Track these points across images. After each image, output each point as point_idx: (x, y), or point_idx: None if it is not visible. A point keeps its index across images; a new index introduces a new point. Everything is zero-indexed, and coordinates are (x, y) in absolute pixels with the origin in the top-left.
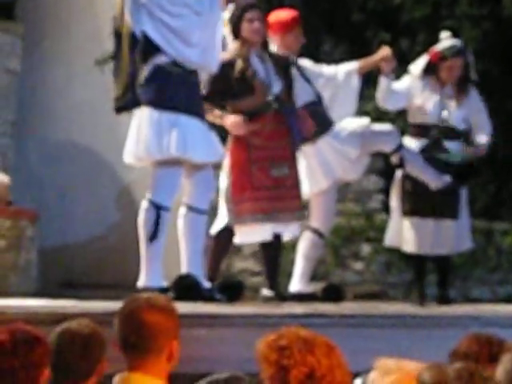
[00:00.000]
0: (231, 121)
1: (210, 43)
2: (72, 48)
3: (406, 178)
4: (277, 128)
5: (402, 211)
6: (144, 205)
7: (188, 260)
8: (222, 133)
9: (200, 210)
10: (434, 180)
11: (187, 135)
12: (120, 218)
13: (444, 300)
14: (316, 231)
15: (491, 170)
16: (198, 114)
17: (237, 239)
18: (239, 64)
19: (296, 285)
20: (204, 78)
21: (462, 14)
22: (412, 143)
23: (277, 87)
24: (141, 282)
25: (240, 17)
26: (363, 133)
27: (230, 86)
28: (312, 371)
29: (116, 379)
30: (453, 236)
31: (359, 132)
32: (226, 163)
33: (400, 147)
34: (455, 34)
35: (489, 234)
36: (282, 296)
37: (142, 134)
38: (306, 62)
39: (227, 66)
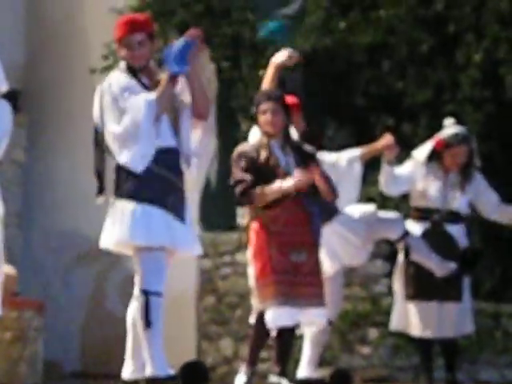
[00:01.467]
0: (296, 178)
1: None
2: (76, 138)
3: (409, 261)
4: (296, 215)
5: (405, 295)
6: (135, 293)
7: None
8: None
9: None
10: (439, 268)
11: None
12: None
13: (452, 383)
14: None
15: (496, 251)
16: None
17: (268, 324)
18: (263, 153)
19: (304, 371)
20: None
21: (463, 98)
22: (414, 226)
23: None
24: (148, 371)
25: (256, 108)
26: (369, 220)
27: (255, 174)
28: None
29: None
30: (456, 319)
31: (365, 219)
32: (249, 253)
33: (405, 235)
34: (458, 118)
35: (496, 317)
36: (294, 382)
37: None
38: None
39: (252, 153)
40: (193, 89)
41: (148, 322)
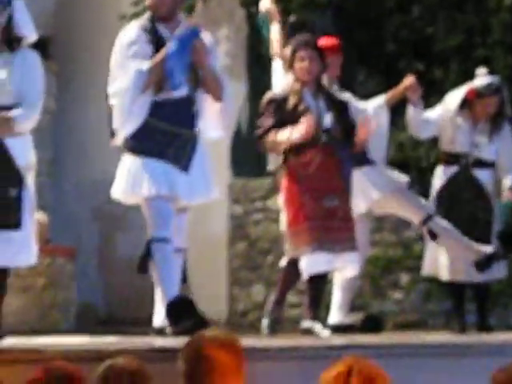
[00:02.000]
0: (307, 123)
1: None
2: (105, 86)
3: (439, 205)
4: (326, 160)
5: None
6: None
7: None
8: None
9: (178, 249)
10: (470, 249)
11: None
12: None
13: (484, 328)
14: None
15: None
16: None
17: (303, 271)
18: (292, 99)
19: (335, 316)
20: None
21: (494, 42)
22: (443, 171)
23: (327, 121)
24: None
25: (293, 55)
26: (399, 187)
27: (282, 121)
28: None
29: None
30: None
31: (395, 184)
32: (281, 200)
33: (428, 219)
34: (488, 62)
35: None
36: (328, 327)
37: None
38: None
39: (280, 100)
40: (204, 75)
41: (145, 269)
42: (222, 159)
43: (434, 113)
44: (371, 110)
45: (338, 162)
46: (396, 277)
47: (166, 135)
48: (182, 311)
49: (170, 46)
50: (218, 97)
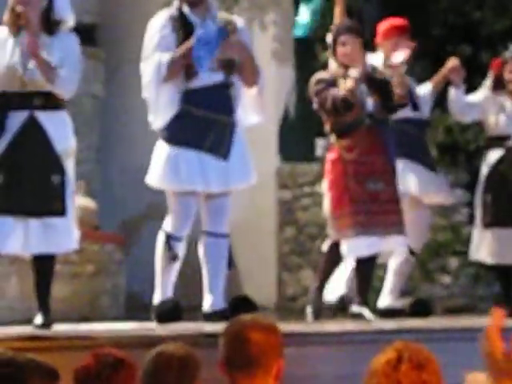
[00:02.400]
0: (353, 77)
1: None
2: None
3: (487, 190)
4: (371, 144)
5: (483, 223)
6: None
7: (208, 284)
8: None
9: (217, 234)
10: None
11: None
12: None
13: None
14: (409, 248)
15: None
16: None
17: (345, 254)
18: (341, 84)
19: (385, 300)
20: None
21: None
22: (490, 155)
23: (370, 105)
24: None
25: (335, 40)
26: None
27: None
28: None
29: None
30: None
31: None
32: (325, 183)
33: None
34: None
35: None
36: (375, 312)
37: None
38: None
39: (330, 84)
40: (241, 64)
41: (173, 257)
42: (270, 144)
43: (476, 96)
44: (419, 97)
45: (383, 145)
46: (445, 261)
47: (204, 122)
48: (170, 315)
49: (196, 40)
50: (253, 82)
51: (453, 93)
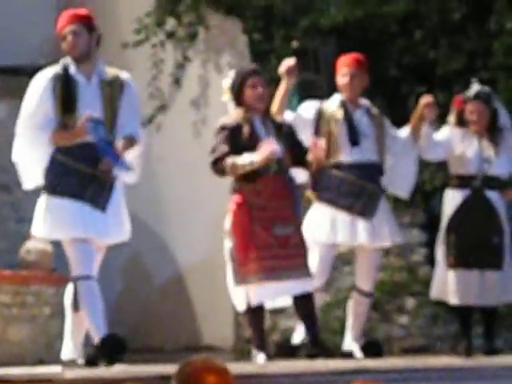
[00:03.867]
0: (269, 146)
1: None
2: None
3: (450, 230)
4: (278, 189)
5: (446, 263)
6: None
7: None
8: None
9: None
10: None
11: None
12: (163, 280)
13: (491, 351)
14: (359, 290)
15: None
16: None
17: (252, 300)
18: (245, 129)
19: (346, 342)
20: None
21: (497, 65)
22: (454, 195)
23: (279, 152)
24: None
25: (242, 83)
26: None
27: (237, 148)
28: None
29: None
30: (497, 286)
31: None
32: (228, 225)
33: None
34: (491, 85)
35: None
36: (327, 351)
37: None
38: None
39: (234, 130)
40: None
41: (76, 307)
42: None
43: (441, 134)
44: (400, 146)
45: (289, 191)
46: (402, 301)
47: (83, 176)
48: (114, 349)
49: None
50: (132, 145)
51: (425, 131)
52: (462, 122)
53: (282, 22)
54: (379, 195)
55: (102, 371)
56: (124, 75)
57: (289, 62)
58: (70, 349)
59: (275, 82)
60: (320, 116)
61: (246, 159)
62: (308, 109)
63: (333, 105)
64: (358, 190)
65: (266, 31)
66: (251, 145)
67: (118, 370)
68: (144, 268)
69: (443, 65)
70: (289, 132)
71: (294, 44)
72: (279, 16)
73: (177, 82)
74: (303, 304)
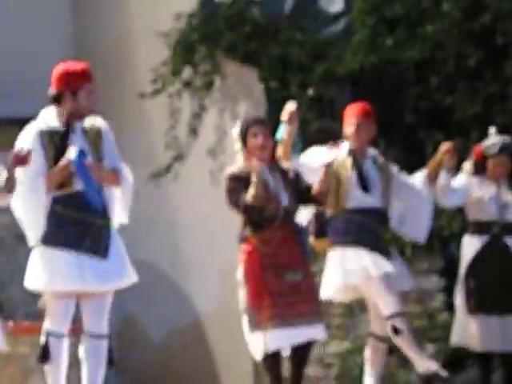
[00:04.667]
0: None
1: None
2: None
3: (470, 275)
4: (286, 236)
5: (466, 309)
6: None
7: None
8: None
9: (98, 336)
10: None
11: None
12: (181, 328)
13: None
14: (374, 335)
15: None
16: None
17: (268, 346)
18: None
19: None
20: None
21: None
22: (473, 241)
23: (285, 199)
24: None
25: (246, 132)
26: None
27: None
28: None
29: None
30: None
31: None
32: (240, 274)
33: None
34: (508, 129)
35: None
36: None
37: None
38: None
39: (244, 179)
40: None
41: (43, 359)
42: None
43: (458, 181)
44: (415, 195)
45: (297, 238)
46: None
47: (80, 224)
48: None
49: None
50: (117, 184)
51: (443, 178)
52: (479, 171)
53: (297, 70)
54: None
55: None
56: (100, 122)
57: (290, 108)
58: None
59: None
60: (330, 165)
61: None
62: (317, 155)
63: (341, 153)
64: (377, 234)
65: (282, 79)
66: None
67: None
68: (162, 317)
69: (460, 110)
70: (295, 179)
71: (310, 91)
72: (295, 63)
73: (193, 131)
74: (302, 351)
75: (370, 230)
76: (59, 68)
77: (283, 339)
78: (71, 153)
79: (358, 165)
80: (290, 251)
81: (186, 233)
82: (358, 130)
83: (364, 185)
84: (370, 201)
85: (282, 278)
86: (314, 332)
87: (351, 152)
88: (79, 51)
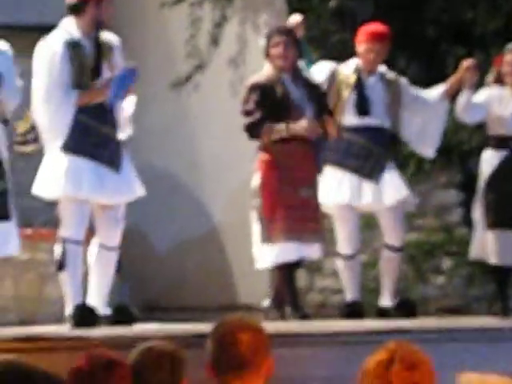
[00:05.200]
0: (305, 125)
1: None
2: (146, 72)
3: (490, 190)
4: (305, 151)
5: (485, 223)
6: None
7: (94, 290)
8: None
9: (109, 248)
10: None
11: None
12: (198, 239)
13: None
14: (388, 246)
15: None
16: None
17: (277, 258)
18: (278, 89)
19: (383, 299)
20: None
21: None
22: (493, 155)
23: (309, 112)
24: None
25: (268, 41)
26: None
27: (270, 111)
28: None
29: None
30: None
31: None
32: (255, 183)
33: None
34: None
35: None
36: (305, 315)
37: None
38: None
39: (266, 89)
40: None
41: (61, 266)
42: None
43: (479, 97)
44: (432, 101)
45: (315, 155)
46: (438, 261)
47: (104, 137)
48: (84, 318)
49: (109, 95)
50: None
51: (465, 94)
52: (500, 80)
53: None
54: (386, 159)
55: (133, 329)
56: (113, 38)
57: (297, 18)
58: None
59: (312, 40)
60: (333, 78)
61: (283, 128)
62: (322, 70)
63: (348, 69)
64: (365, 153)
65: None
66: (284, 105)
67: (152, 328)
68: (182, 225)
69: (481, 25)
70: (318, 93)
71: (332, 3)
72: None
73: (215, 41)
74: (296, 266)
75: (358, 150)
76: None
77: (293, 252)
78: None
79: (360, 84)
80: (307, 167)
81: (205, 143)
82: (368, 54)
83: (361, 108)
84: (368, 120)
85: (296, 192)
86: (318, 250)
87: (357, 70)
88: None
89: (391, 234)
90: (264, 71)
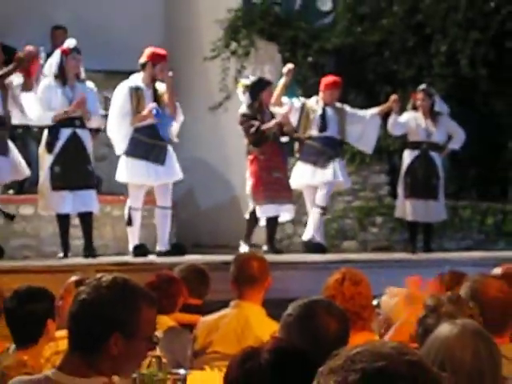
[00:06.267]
0: (278, 119)
1: None
2: (192, 100)
3: (407, 175)
4: (275, 150)
5: (404, 195)
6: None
7: (160, 235)
8: None
9: (164, 207)
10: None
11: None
12: (227, 203)
13: (428, 250)
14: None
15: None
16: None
17: (258, 214)
18: (259, 117)
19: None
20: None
21: (435, 74)
22: (409, 153)
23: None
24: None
25: (264, 87)
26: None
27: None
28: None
29: (231, 304)
30: (433, 210)
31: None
32: (247, 172)
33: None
34: (431, 86)
35: (454, 210)
36: (278, 251)
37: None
38: (347, 108)
39: (253, 117)
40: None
41: (129, 223)
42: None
43: (402, 118)
44: (369, 116)
45: (281, 151)
46: (374, 218)
47: (150, 145)
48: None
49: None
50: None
51: (393, 117)
52: (415, 108)
53: (302, 46)
54: (336, 157)
55: (185, 258)
56: (162, 86)
57: (289, 66)
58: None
59: (296, 82)
60: (304, 106)
61: (271, 124)
62: (297, 101)
63: (314, 101)
64: (321, 153)
65: (292, 51)
66: (262, 122)
67: (196, 258)
68: (215, 195)
69: (402, 73)
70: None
71: (310, 59)
72: (301, 41)
73: (236, 81)
74: (275, 220)
75: (317, 151)
76: (150, 48)
77: (272, 210)
78: (152, 106)
79: (322, 112)
80: (277, 159)
81: (228, 146)
82: (327, 95)
83: (322, 128)
84: (325, 134)
85: (271, 174)
86: (290, 211)
87: (319, 102)
88: (163, 28)
89: (321, 198)
90: (247, 105)
